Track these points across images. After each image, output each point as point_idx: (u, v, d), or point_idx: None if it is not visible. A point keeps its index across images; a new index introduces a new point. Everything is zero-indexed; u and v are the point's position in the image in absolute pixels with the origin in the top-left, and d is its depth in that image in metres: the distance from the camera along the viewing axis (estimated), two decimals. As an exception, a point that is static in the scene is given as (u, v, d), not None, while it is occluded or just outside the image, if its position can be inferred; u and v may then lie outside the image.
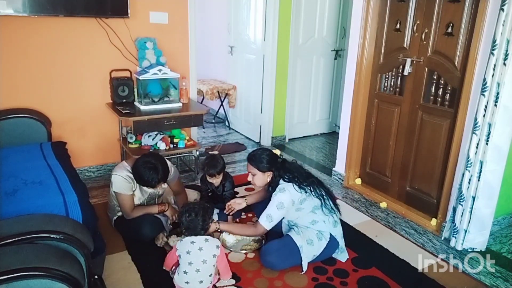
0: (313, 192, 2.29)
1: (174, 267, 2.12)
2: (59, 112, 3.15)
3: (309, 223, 2.33)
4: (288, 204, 2.23)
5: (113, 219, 2.56)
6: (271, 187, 2.34)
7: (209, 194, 2.82)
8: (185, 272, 1.98)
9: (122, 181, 2.39)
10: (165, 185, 2.54)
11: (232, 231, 2.43)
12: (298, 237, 2.26)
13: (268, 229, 2.27)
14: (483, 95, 2.30)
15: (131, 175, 2.41)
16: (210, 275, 2.02)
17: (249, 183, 2.42)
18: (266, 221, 2.25)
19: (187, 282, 1.98)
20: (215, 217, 2.56)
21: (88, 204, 2.13)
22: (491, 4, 2.28)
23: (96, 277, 1.76)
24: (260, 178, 2.36)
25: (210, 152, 3.14)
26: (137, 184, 2.46)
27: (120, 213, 2.50)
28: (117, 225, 2.54)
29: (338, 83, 4.78)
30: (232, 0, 4.68)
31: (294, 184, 2.25)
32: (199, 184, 3.17)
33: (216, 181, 2.70)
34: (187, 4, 3.45)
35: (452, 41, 2.61)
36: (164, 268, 2.18)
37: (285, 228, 2.46)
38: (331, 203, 2.35)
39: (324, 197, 2.32)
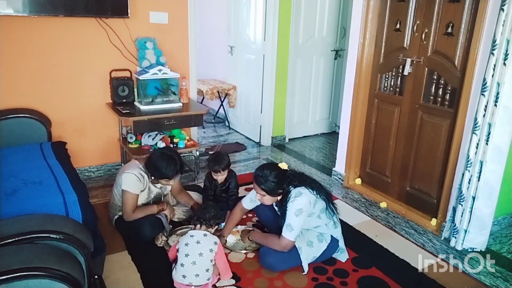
0: (318, 195, 2.26)
1: (174, 264, 2.13)
2: (59, 112, 3.15)
3: (312, 227, 2.32)
4: (307, 208, 2.16)
5: (114, 218, 2.56)
6: (281, 201, 2.26)
7: (213, 189, 2.80)
8: (182, 265, 2.02)
9: (134, 179, 2.40)
10: (173, 182, 2.52)
11: (262, 242, 2.35)
12: (297, 239, 2.24)
13: (293, 240, 2.17)
14: (483, 95, 2.30)
15: (144, 174, 2.43)
16: (207, 270, 2.03)
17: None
18: (287, 231, 2.17)
19: (183, 276, 2.01)
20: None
21: (88, 204, 2.13)
22: (491, 4, 2.28)
23: (96, 277, 1.76)
24: (270, 199, 2.26)
25: (215, 150, 3.13)
26: (147, 185, 2.47)
27: (121, 213, 2.49)
28: (118, 224, 2.54)
29: (338, 83, 4.78)
30: (232, 0, 4.68)
31: (306, 186, 2.21)
32: (199, 184, 3.18)
33: (220, 178, 2.71)
34: (187, 4, 3.45)
35: (452, 41, 2.61)
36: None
37: None
38: (331, 205, 2.34)
39: (327, 199, 2.31)
